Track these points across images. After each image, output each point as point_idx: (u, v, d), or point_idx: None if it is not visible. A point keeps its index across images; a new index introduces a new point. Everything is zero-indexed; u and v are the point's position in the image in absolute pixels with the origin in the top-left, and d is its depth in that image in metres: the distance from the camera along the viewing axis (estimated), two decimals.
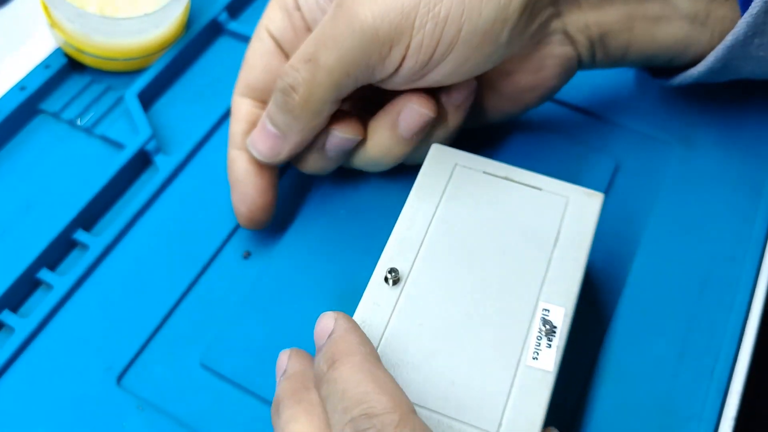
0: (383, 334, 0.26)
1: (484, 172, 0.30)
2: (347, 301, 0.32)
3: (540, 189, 0.29)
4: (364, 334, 0.24)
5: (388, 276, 0.27)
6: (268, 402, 0.30)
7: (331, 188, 0.36)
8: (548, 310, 0.26)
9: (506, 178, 0.30)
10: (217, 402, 0.30)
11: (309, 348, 0.30)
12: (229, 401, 0.30)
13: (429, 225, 0.28)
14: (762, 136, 0.37)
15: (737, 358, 0.31)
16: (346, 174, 0.36)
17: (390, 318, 0.26)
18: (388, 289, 0.27)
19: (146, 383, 0.30)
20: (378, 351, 0.25)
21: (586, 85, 0.40)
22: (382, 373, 0.22)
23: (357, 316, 0.26)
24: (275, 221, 0.35)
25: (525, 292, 0.26)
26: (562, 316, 0.26)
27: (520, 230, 0.28)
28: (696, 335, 0.31)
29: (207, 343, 0.31)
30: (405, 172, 0.36)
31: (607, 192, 0.36)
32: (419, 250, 0.28)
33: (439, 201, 0.29)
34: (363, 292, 0.31)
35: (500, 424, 0.23)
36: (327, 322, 0.24)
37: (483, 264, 0.27)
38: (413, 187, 0.30)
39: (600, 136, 0.38)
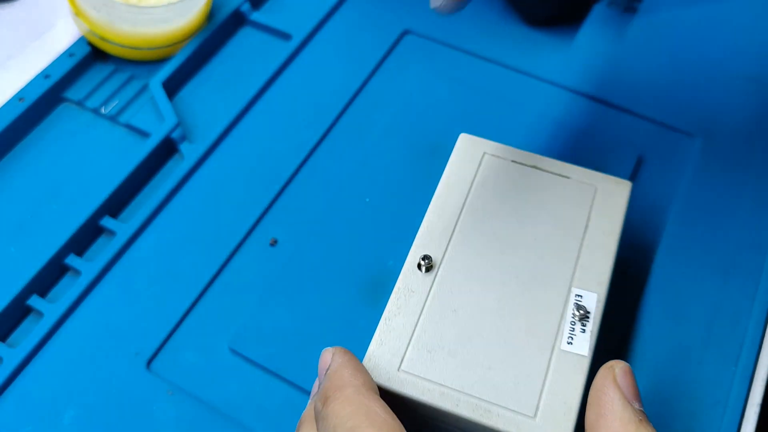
0: (418, 320, 0.26)
1: (513, 161, 0.30)
2: (374, 288, 0.32)
3: (568, 178, 0.30)
4: (360, 366, 0.24)
5: (422, 262, 0.27)
6: (297, 387, 0.30)
7: (356, 176, 0.36)
8: (581, 296, 0.26)
9: (534, 167, 0.30)
10: (246, 387, 0.30)
11: (339, 337, 0.31)
12: (258, 386, 0.30)
13: (460, 213, 0.28)
14: None
15: (762, 345, 0.31)
16: (371, 161, 0.36)
17: (425, 304, 0.26)
18: (422, 276, 0.27)
19: (175, 368, 0.31)
20: (413, 337, 0.26)
21: (608, 76, 0.40)
22: (375, 403, 0.22)
23: (392, 303, 0.26)
24: (302, 208, 0.35)
25: (557, 279, 0.27)
26: (595, 302, 0.26)
27: (549, 218, 0.28)
28: (721, 323, 0.31)
29: (236, 329, 0.31)
30: (431, 160, 0.36)
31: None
32: (451, 237, 0.28)
33: (469, 189, 0.29)
34: (391, 279, 0.32)
35: (537, 408, 0.24)
36: (326, 357, 0.24)
37: (514, 251, 0.27)
38: (443, 175, 0.30)
39: (623, 127, 0.38)
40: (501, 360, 0.25)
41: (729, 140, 0.37)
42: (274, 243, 0.34)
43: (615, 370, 0.22)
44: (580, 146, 0.37)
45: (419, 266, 0.27)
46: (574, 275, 0.27)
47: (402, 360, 0.25)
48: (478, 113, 0.38)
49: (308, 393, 0.30)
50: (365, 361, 0.25)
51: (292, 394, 0.30)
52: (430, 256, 0.27)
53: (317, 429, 0.23)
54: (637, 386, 0.23)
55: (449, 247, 0.28)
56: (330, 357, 0.24)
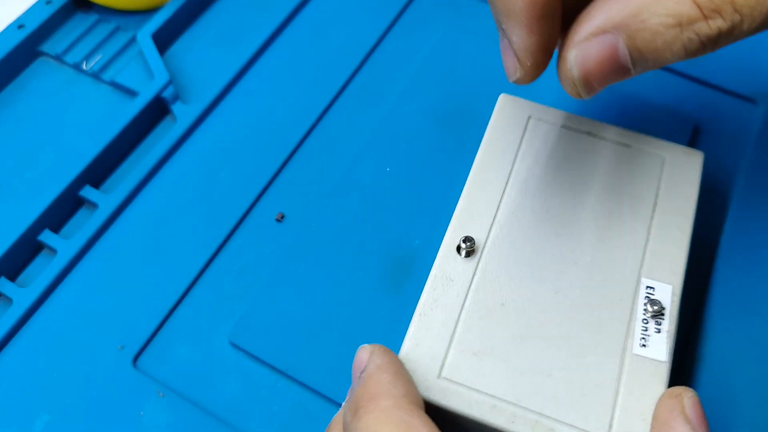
0: (460, 315, 0.22)
1: (563, 127, 0.25)
2: (398, 272, 0.28)
3: (629, 146, 0.25)
4: (402, 371, 0.20)
5: (462, 245, 0.22)
6: (309, 388, 0.26)
7: (374, 143, 0.31)
8: (653, 288, 0.22)
9: (589, 134, 0.25)
10: (249, 388, 0.26)
11: (357, 329, 0.26)
12: (263, 387, 0.26)
13: (504, 187, 0.24)
14: None
15: None
16: (391, 125, 0.31)
17: (467, 296, 0.22)
18: (462, 262, 0.22)
19: (167, 365, 0.26)
20: (455, 336, 0.21)
21: None
22: (418, 420, 0.18)
23: (427, 294, 0.22)
24: (312, 179, 0.30)
25: (623, 267, 0.22)
26: (669, 296, 0.22)
27: (611, 194, 0.24)
28: None
29: (237, 319, 0.27)
30: (459, 125, 0.31)
31: None
32: (495, 215, 0.23)
33: (514, 159, 0.25)
34: (417, 261, 0.27)
35: (611, 426, 0.19)
36: (362, 355, 0.20)
37: (571, 234, 0.23)
38: (482, 142, 0.25)
39: (678, 93, 0.33)
40: (562, 365, 0.20)
41: None
42: (280, 218, 0.29)
43: (683, 400, 0.18)
44: (630, 114, 0.33)
45: (459, 249, 0.23)
46: (643, 263, 0.22)
47: (443, 365, 0.21)
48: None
49: (322, 396, 0.25)
50: None
51: (303, 397, 0.26)
52: (473, 238, 0.22)
53: None
54: (706, 419, 0.19)
55: (494, 227, 0.23)
56: (366, 356, 0.20)
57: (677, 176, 0.24)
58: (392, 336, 0.26)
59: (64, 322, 0.27)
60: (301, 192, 0.30)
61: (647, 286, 0.22)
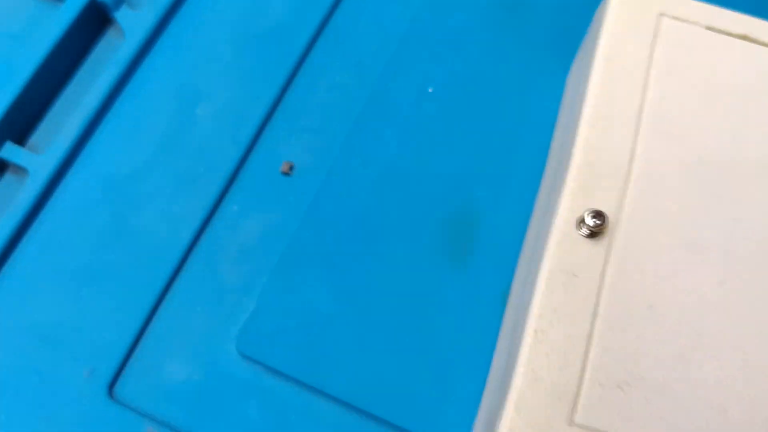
0: (592, 329, 0.15)
1: (709, 28, 0.17)
2: (457, 232, 0.20)
3: None
4: None
5: (588, 221, 0.15)
6: (349, 406, 0.19)
7: (407, 49, 0.22)
8: None
9: (746, 38, 0.17)
10: (268, 409, 0.19)
11: (411, 312, 0.19)
12: (290, 408, 0.19)
13: (638, 126, 0.16)
14: None
15: None
16: (431, 21, 0.23)
17: (599, 299, 0.15)
18: (586, 245, 0.15)
19: (153, 390, 0.20)
20: (588, 361, 0.15)
21: None
22: None
23: (541, 298, 0.15)
24: (326, 107, 0.22)
25: None
26: None
27: None
28: None
29: (245, 318, 0.20)
30: (531, 12, 0.23)
31: None
32: (630, 172, 0.16)
33: (646, 81, 0.17)
34: (483, 218, 0.20)
35: None
36: None
37: (736, 190, 0.16)
38: (597, 55, 0.17)
39: None
40: (742, 394, 0.14)
41: None
42: (288, 170, 0.21)
43: None
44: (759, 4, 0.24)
45: (580, 226, 0.15)
46: None
47: (575, 405, 0.14)
48: None
49: (370, 415, 0.19)
50: (510, 411, 0.14)
51: (345, 419, 0.19)
52: (602, 212, 0.15)
53: None
54: None
55: (629, 191, 0.16)
56: None
57: None
58: (461, 333, 0.19)
59: (5, 343, 0.19)
60: (313, 129, 0.22)
61: None
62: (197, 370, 0.20)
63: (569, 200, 0.16)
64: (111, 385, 0.19)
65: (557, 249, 0.15)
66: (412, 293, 0.20)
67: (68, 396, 0.19)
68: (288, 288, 0.20)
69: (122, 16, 0.23)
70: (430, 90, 0.22)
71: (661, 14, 0.18)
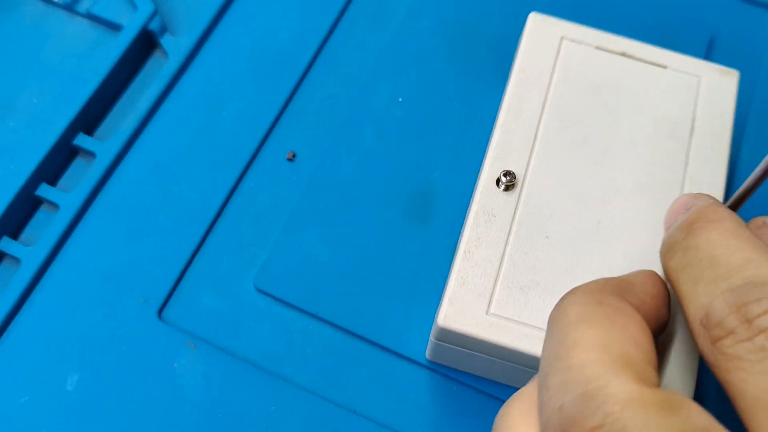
0: (504, 251, 0.21)
1: (597, 48, 0.25)
2: (420, 205, 0.27)
3: (665, 67, 0.24)
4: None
5: (502, 179, 0.22)
6: (341, 328, 0.25)
7: (384, 69, 0.30)
8: None
9: (624, 55, 0.25)
10: (280, 332, 0.25)
11: (384, 264, 0.26)
12: (294, 330, 0.25)
13: (540, 116, 0.23)
14: None
15: None
16: (401, 49, 0.30)
17: (510, 230, 0.21)
18: (502, 196, 0.22)
19: (193, 315, 0.26)
20: (501, 270, 0.21)
21: None
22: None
23: (470, 231, 0.21)
24: (321, 112, 0.29)
25: (664, 193, 0.22)
26: None
27: (648, 118, 0.23)
28: None
29: (260, 263, 0.26)
30: (473, 46, 0.30)
31: None
32: (533, 146, 0.23)
33: (549, 85, 0.24)
34: (439, 194, 0.27)
35: None
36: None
37: (610, 160, 0.23)
38: (514, 68, 0.24)
39: (689, 3, 0.32)
40: None
41: None
42: (292, 157, 0.28)
43: None
44: (640, 30, 0.32)
45: (498, 183, 0.22)
46: (683, 188, 0.22)
47: (490, 301, 0.21)
48: None
49: (354, 335, 0.25)
50: (445, 304, 0.21)
51: (336, 337, 0.25)
52: (512, 172, 0.22)
53: (669, 262, 0.17)
54: None
55: (532, 159, 0.23)
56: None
57: (713, 97, 0.24)
58: (422, 272, 0.26)
59: (79, 279, 0.26)
60: (311, 127, 0.29)
61: None
62: (224, 300, 0.26)
63: (490, 165, 0.23)
64: (160, 311, 0.26)
65: (482, 198, 0.22)
66: (386, 246, 0.27)
67: (127, 319, 0.25)
68: (292, 242, 0.27)
69: (166, 41, 0.30)
70: (399, 99, 0.29)
71: (563, 37, 0.25)
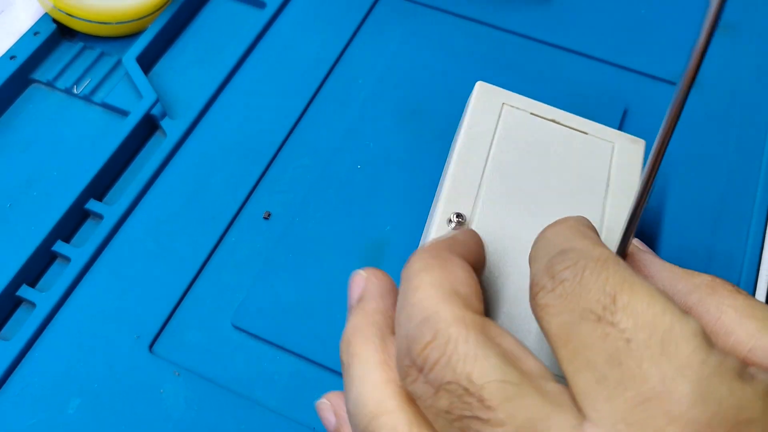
0: None
1: (532, 114, 0.30)
2: (374, 253, 0.32)
3: (586, 133, 0.29)
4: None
5: (454, 220, 0.26)
6: (304, 358, 0.30)
7: (346, 144, 0.35)
8: None
9: (553, 121, 0.29)
10: (253, 362, 0.30)
11: (342, 303, 0.30)
12: (265, 360, 0.30)
13: (484, 167, 0.28)
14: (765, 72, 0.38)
15: (757, 285, 0.32)
16: (359, 127, 0.36)
17: None
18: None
19: (179, 349, 0.30)
20: None
21: (588, 29, 0.40)
22: (591, 234, 0.21)
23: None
24: (293, 179, 0.34)
25: None
26: None
27: (572, 175, 0.28)
28: (715, 269, 0.32)
29: (237, 304, 0.31)
30: (417, 123, 0.36)
31: None
32: (478, 193, 0.27)
33: (491, 142, 0.28)
34: (390, 243, 0.31)
35: None
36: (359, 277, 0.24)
37: (541, 209, 0.27)
38: (464, 125, 0.29)
39: (607, 80, 0.38)
40: (532, 319, 0.25)
41: (711, 88, 0.38)
42: (267, 216, 0.33)
43: None
44: (566, 101, 0.37)
45: (449, 222, 0.26)
46: (601, 237, 0.27)
47: None
48: (461, 71, 0.38)
49: (316, 363, 0.30)
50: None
51: (300, 366, 0.30)
52: (463, 214, 0.26)
53: (533, 251, 0.21)
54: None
55: (478, 203, 0.27)
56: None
57: (624, 161, 0.29)
58: None
59: (84, 319, 0.30)
60: (284, 191, 0.34)
61: None
62: (206, 336, 0.30)
63: (443, 206, 0.26)
64: (151, 345, 0.30)
65: (435, 234, 0.26)
66: (345, 288, 0.31)
67: (123, 353, 0.30)
68: (265, 286, 0.31)
69: (166, 123, 0.36)
70: (359, 167, 0.35)
71: (504, 104, 0.29)
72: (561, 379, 0.18)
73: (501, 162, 0.28)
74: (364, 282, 0.23)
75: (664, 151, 0.20)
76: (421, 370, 0.18)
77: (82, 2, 0.37)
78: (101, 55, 0.38)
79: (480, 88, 0.30)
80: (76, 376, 0.29)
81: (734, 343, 0.19)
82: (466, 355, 0.17)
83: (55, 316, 0.31)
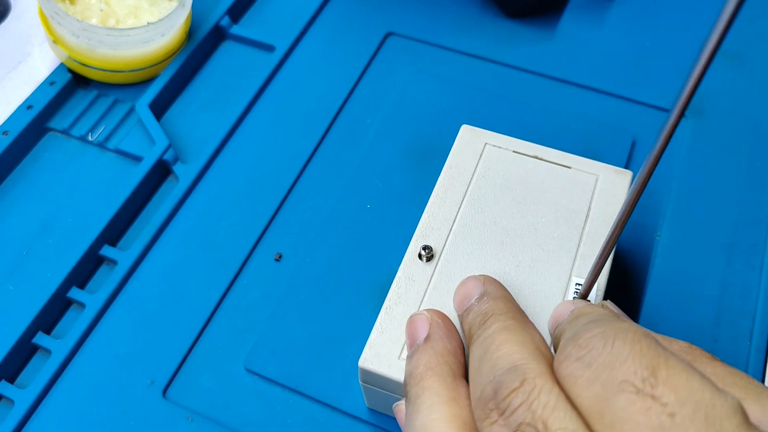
0: (419, 308, 0.26)
1: (514, 152, 0.30)
2: (384, 294, 0.32)
3: (569, 167, 0.30)
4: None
5: (422, 252, 0.27)
6: (317, 401, 0.30)
7: (355, 183, 0.36)
8: (581, 284, 0.26)
9: (536, 157, 0.30)
10: (266, 406, 0.30)
11: (353, 345, 0.31)
12: (278, 404, 0.30)
13: (461, 203, 0.29)
14: None
15: None
16: (368, 166, 0.36)
17: (425, 293, 0.26)
18: (423, 265, 0.27)
19: (192, 394, 0.30)
20: None
21: (594, 63, 0.40)
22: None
23: (392, 292, 0.26)
24: (303, 220, 0.35)
25: (557, 268, 0.27)
26: (594, 291, 0.26)
27: (551, 208, 0.28)
28: (730, 299, 0.32)
29: (249, 348, 0.31)
30: (427, 159, 0.36)
31: (626, 168, 0.36)
32: (452, 227, 0.28)
33: (471, 179, 0.29)
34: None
35: None
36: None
37: (515, 240, 0.28)
38: (445, 166, 0.30)
39: (614, 113, 0.38)
40: None
41: (718, 118, 0.38)
42: (279, 258, 0.34)
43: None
44: (574, 135, 0.37)
45: (420, 256, 0.27)
46: (574, 264, 0.27)
47: (402, 348, 0.25)
48: (469, 108, 0.38)
49: (329, 406, 0.29)
50: (366, 349, 0.25)
51: (314, 409, 0.30)
52: (431, 246, 0.27)
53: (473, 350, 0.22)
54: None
55: (450, 237, 0.28)
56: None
57: (608, 192, 0.29)
58: None
59: (99, 365, 0.31)
60: (295, 233, 0.34)
61: (576, 283, 0.26)
62: (219, 380, 0.30)
63: (415, 240, 0.27)
64: (164, 390, 0.30)
65: (405, 266, 0.27)
66: (356, 328, 0.31)
67: (137, 399, 0.30)
68: (277, 328, 0.32)
69: (178, 168, 0.36)
70: (368, 206, 0.35)
71: (486, 143, 0.30)
72: None
73: (478, 197, 0.29)
74: (428, 322, 0.24)
75: (648, 179, 0.20)
76: (502, 413, 0.19)
77: (95, 51, 0.38)
78: (115, 102, 0.39)
79: (464, 129, 0.31)
80: (91, 421, 0.29)
81: None
82: (546, 404, 0.18)
83: (70, 363, 0.31)
